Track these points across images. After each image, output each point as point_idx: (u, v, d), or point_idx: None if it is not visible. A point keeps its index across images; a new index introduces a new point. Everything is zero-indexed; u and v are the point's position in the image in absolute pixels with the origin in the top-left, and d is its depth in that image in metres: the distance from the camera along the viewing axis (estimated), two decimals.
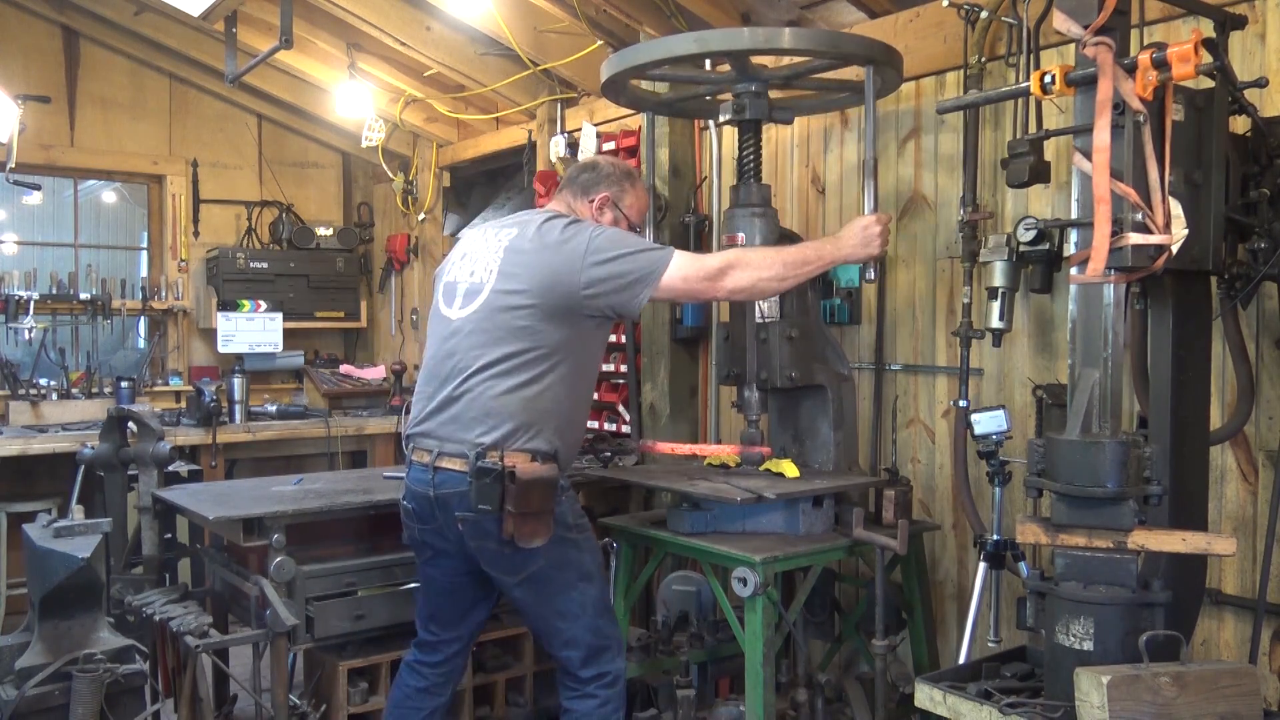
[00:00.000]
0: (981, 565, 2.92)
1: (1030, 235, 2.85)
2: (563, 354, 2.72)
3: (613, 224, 2.94)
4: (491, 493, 2.58)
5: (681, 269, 2.70)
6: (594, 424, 4.70)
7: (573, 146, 4.78)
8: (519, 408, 2.67)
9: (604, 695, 2.79)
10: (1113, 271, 2.16)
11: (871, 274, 2.97)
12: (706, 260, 2.76)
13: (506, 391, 2.68)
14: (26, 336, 5.53)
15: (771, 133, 3.97)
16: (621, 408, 4.57)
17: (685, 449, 3.40)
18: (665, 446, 3.43)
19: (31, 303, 5.52)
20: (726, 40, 2.96)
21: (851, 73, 3.36)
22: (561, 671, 2.86)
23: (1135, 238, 2.12)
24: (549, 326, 2.70)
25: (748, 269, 2.75)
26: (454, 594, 2.93)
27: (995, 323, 3.02)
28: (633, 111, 3.99)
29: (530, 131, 5.23)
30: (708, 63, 3.68)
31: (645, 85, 3.67)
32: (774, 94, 3.40)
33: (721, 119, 3.30)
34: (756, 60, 3.17)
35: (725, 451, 3.25)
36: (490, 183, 5.99)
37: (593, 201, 2.96)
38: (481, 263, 2.83)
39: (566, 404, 2.75)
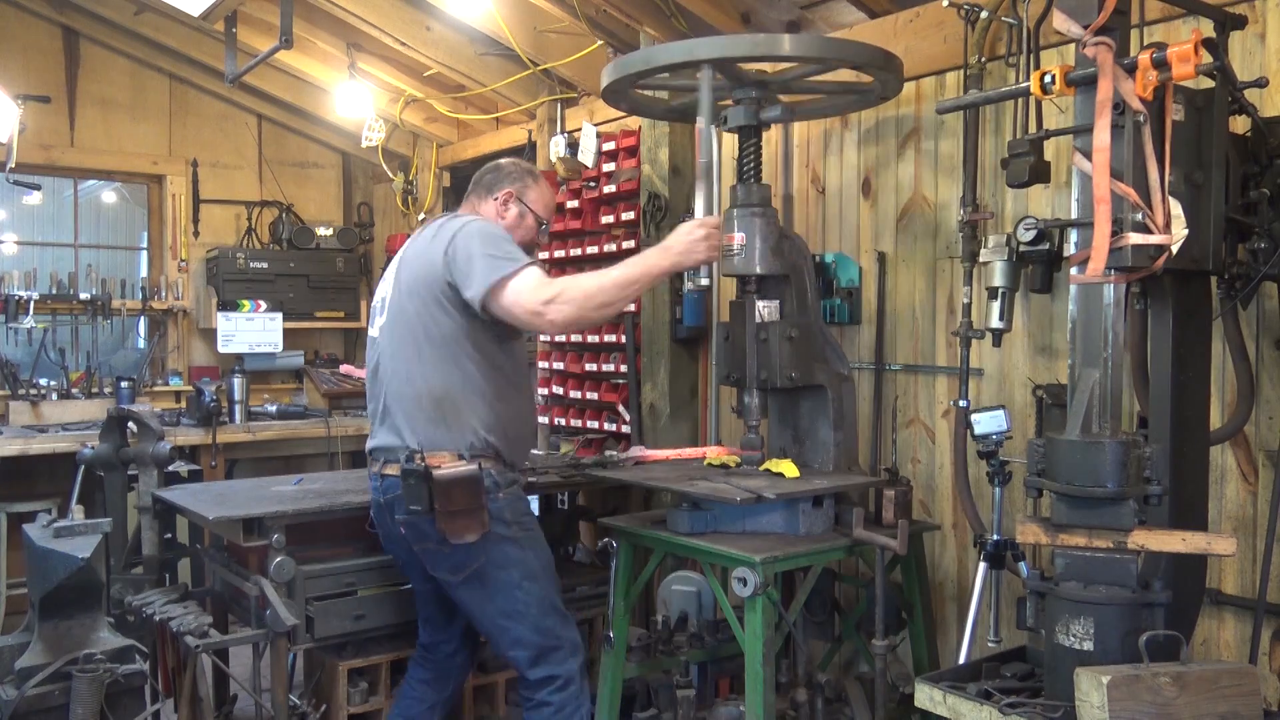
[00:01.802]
0: (981, 565, 2.92)
1: (1030, 235, 2.85)
2: (464, 348, 2.75)
3: (518, 218, 2.99)
4: (419, 493, 2.63)
5: (518, 291, 2.65)
6: (594, 424, 4.71)
7: (573, 146, 4.78)
8: (433, 407, 2.74)
9: (556, 701, 2.79)
10: (1113, 271, 2.16)
11: (705, 279, 2.85)
12: (540, 290, 2.65)
13: (420, 392, 2.75)
14: (26, 337, 5.53)
15: (772, 134, 3.96)
16: (621, 408, 4.57)
17: (672, 454, 3.43)
18: (656, 454, 3.46)
19: (31, 303, 5.52)
20: (724, 47, 2.94)
21: (852, 75, 3.36)
22: (517, 679, 2.87)
23: (1135, 238, 2.12)
24: (441, 318, 2.75)
25: (570, 304, 2.65)
26: (433, 597, 2.98)
27: (995, 323, 3.02)
28: None
29: (530, 131, 5.23)
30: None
31: (646, 90, 3.66)
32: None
33: (723, 125, 3.29)
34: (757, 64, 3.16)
35: (715, 453, 3.27)
36: None
37: (496, 199, 3.01)
38: (389, 279, 2.94)
39: (487, 399, 2.78)
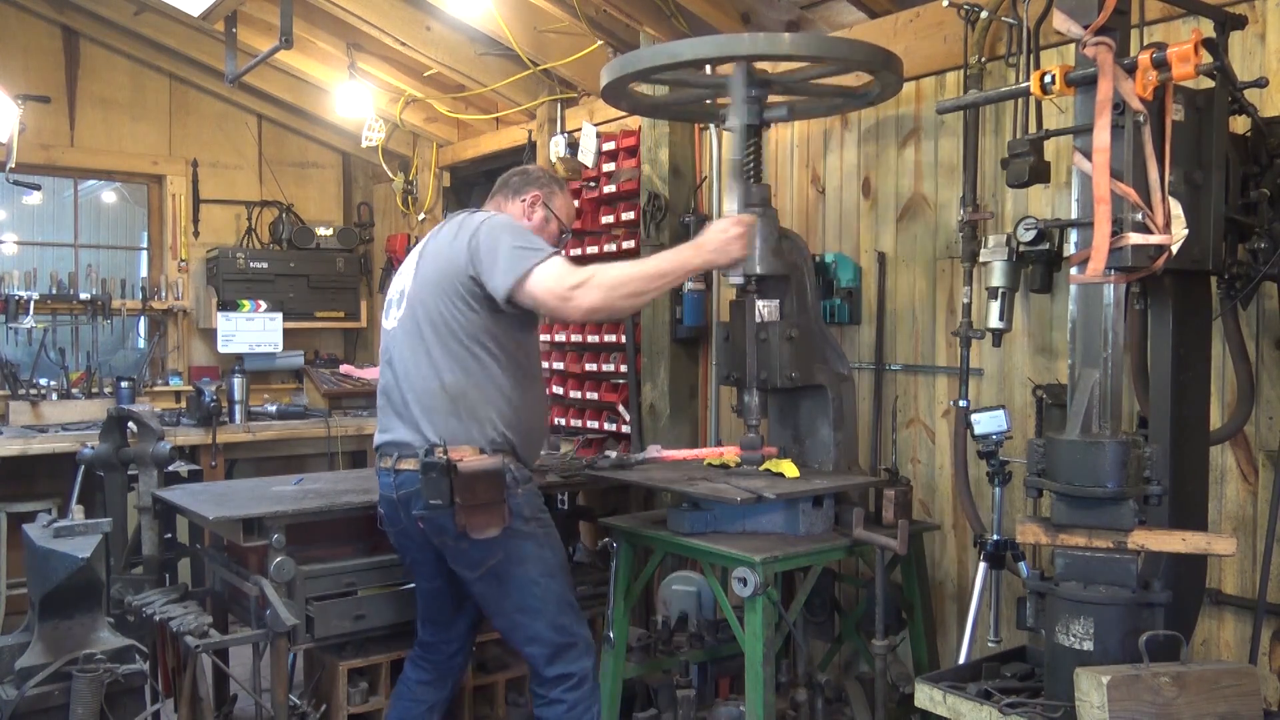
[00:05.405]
0: (981, 565, 2.92)
1: (1030, 235, 2.85)
2: (483, 342, 2.75)
3: (543, 222, 3.03)
4: (439, 487, 2.62)
5: (545, 278, 2.63)
6: (594, 424, 4.71)
7: (573, 146, 4.78)
8: (451, 401, 2.73)
9: (570, 699, 2.79)
10: (1113, 271, 2.16)
11: (737, 278, 2.81)
12: (566, 277, 2.63)
13: (438, 385, 2.74)
14: (26, 337, 5.53)
15: (772, 133, 3.96)
16: (621, 408, 4.57)
17: (692, 454, 3.41)
18: (673, 455, 3.44)
19: (31, 303, 5.51)
20: (725, 46, 2.95)
21: (852, 77, 3.36)
22: (530, 675, 2.88)
23: (1135, 238, 2.12)
24: (462, 312, 2.74)
25: (598, 289, 2.61)
26: (439, 596, 2.97)
27: (995, 323, 3.02)
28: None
29: (530, 131, 5.23)
30: (708, 66, 3.67)
31: (645, 89, 3.66)
32: (774, 96, 3.40)
33: (723, 124, 3.29)
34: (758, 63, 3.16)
35: (731, 454, 3.26)
36: (490, 183, 5.91)
37: (525, 200, 3.04)
38: (406, 273, 2.93)
39: (505, 394, 2.78)
